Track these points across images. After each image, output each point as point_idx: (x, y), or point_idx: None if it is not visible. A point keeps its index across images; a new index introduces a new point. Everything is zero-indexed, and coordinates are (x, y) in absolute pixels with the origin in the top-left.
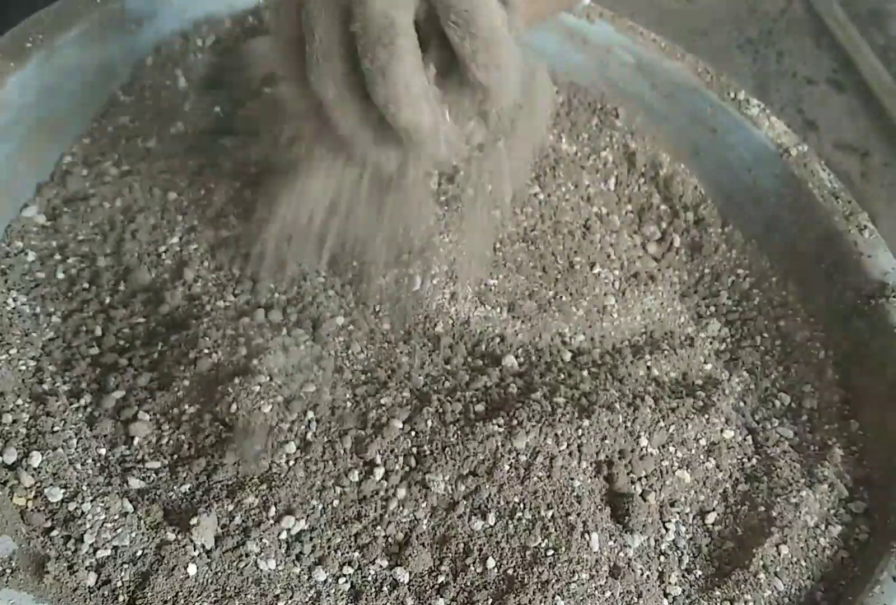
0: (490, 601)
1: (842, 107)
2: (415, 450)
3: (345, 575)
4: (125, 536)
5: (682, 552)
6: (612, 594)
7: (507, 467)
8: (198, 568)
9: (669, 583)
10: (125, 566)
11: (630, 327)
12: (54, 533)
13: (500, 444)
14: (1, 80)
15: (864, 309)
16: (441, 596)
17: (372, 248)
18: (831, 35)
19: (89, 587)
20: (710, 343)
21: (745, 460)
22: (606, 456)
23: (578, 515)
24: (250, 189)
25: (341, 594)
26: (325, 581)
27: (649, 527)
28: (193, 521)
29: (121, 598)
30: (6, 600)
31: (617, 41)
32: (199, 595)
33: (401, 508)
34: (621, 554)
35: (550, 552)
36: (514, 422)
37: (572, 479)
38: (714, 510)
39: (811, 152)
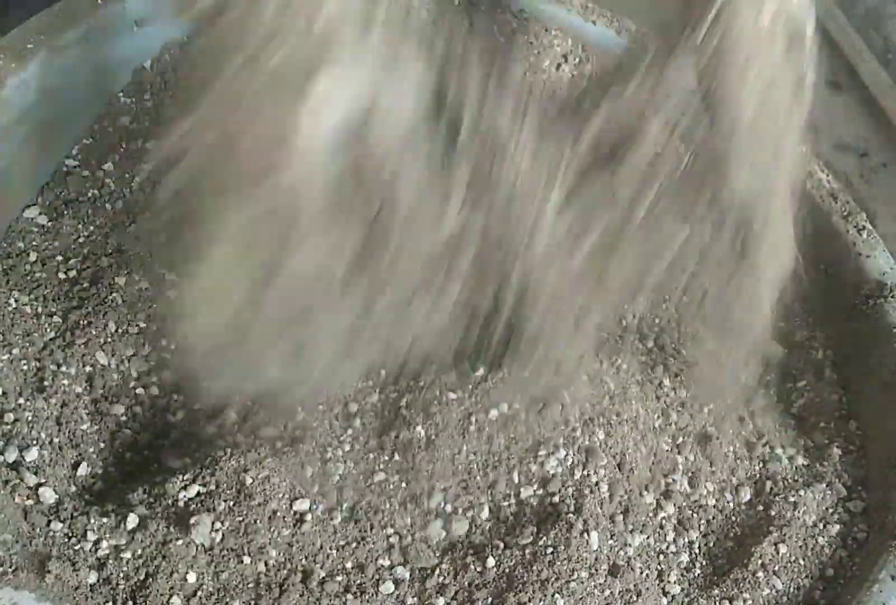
0: (490, 599)
1: (840, 108)
2: None
3: (345, 573)
4: (126, 535)
5: (681, 551)
6: (612, 592)
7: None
8: (198, 567)
9: (668, 582)
10: (126, 564)
11: None
12: (56, 532)
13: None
14: (2, 80)
15: (862, 309)
16: (441, 595)
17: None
18: (830, 37)
19: (90, 585)
20: None
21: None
22: None
23: (579, 513)
24: None
25: (341, 592)
26: (325, 580)
27: (648, 526)
28: (193, 520)
29: (122, 596)
30: (7, 599)
31: (617, 43)
32: (198, 594)
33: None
34: (621, 553)
35: (550, 551)
36: None
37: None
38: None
39: (810, 153)
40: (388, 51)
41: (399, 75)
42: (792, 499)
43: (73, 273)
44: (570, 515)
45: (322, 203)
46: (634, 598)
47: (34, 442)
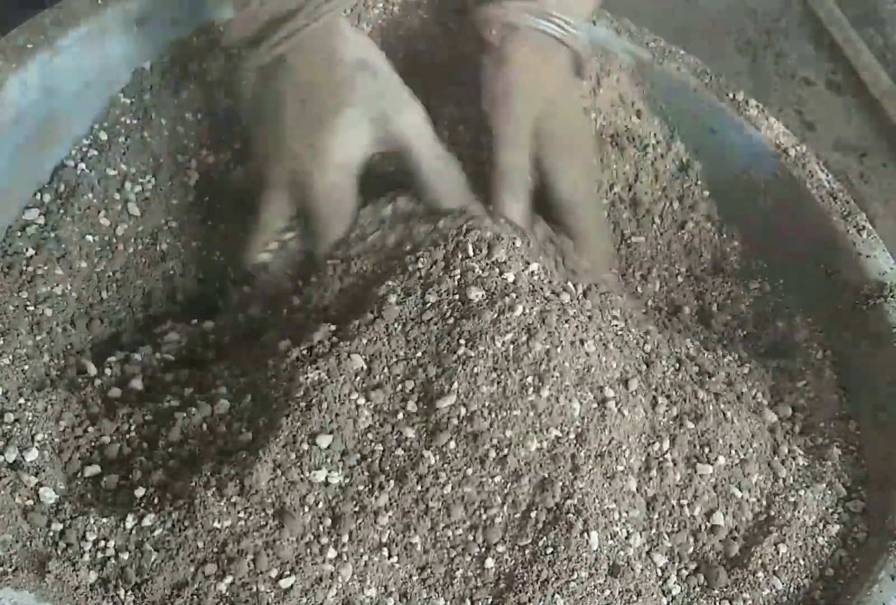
0: (490, 599)
1: (840, 108)
2: None
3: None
4: (126, 535)
5: (682, 551)
6: (612, 592)
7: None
8: None
9: (668, 582)
10: (126, 564)
11: None
12: (56, 532)
13: None
14: (2, 80)
15: (862, 309)
16: (441, 595)
17: None
18: (830, 36)
19: (90, 585)
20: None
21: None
22: None
23: (579, 513)
24: None
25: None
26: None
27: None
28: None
29: (122, 596)
30: (7, 599)
31: (617, 42)
32: (198, 594)
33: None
34: (621, 553)
35: (550, 551)
36: None
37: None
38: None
39: (809, 153)
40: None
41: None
42: (792, 499)
43: (71, 274)
44: (570, 515)
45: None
46: (634, 598)
47: (34, 442)
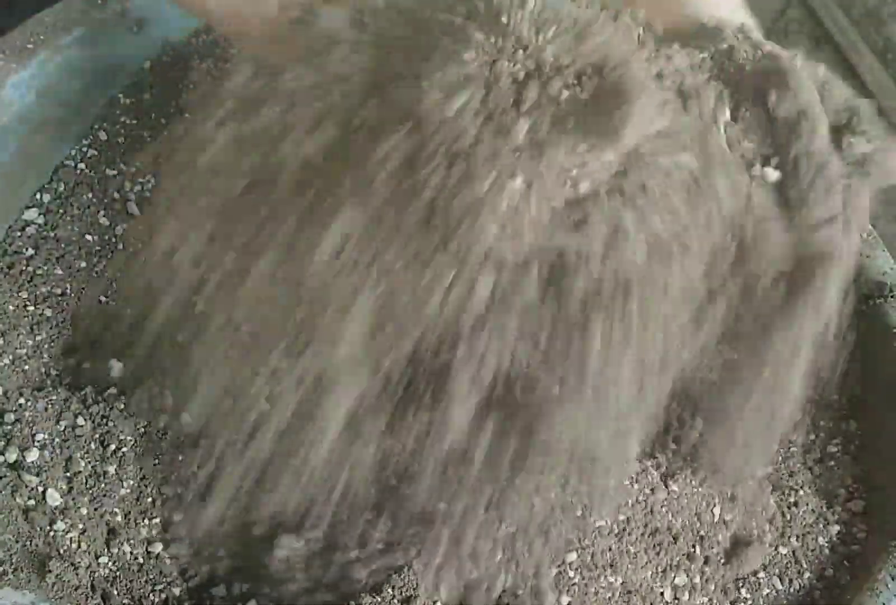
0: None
1: None
2: None
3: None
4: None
5: (682, 551)
6: (613, 592)
7: None
8: None
9: (669, 582)
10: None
11: None
12: (57, 532)
13: None
14: (2, 80)
15: (862, 309)
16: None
17: None
18: (830, 36)
19: (90, 585)
20: None
21: None
22: None
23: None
24: None
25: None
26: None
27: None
28: None
29: (122, 596)
30: (7, 599)
31: None
32: None
33: None
34: (622, 553)
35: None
36: None
37: None
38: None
39: None
40: None
41: None
42: (792, 499)
43: (72, 273)
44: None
45: None
46: (635, 598)
47: (35, 443)
